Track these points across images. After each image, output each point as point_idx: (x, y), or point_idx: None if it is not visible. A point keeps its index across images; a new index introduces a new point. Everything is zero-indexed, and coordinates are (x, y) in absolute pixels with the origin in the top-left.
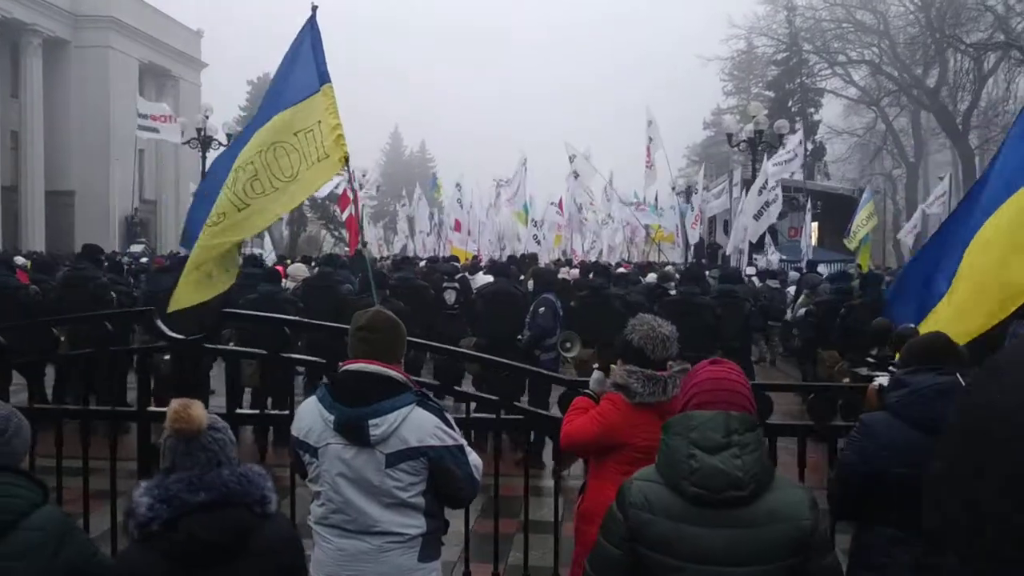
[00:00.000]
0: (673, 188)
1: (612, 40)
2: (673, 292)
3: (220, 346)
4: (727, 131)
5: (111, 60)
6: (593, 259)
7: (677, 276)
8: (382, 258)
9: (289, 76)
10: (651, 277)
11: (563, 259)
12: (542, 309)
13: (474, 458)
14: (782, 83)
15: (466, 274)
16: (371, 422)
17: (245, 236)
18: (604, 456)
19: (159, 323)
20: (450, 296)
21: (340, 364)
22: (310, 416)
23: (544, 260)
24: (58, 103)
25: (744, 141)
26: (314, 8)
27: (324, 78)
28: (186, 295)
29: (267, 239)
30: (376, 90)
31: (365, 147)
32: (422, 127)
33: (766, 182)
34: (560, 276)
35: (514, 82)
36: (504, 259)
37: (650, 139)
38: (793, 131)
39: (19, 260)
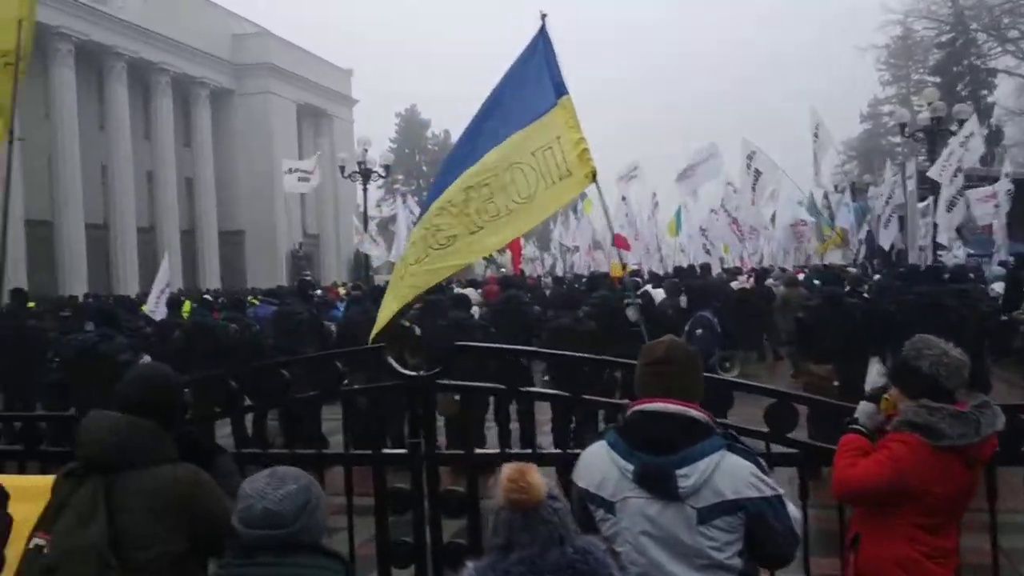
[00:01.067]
0: (836, 187)
1: (745, 41)
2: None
3: (455, 382)
4: (900, 121)
5: (271, 104)
6: (757, 266)
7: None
8: (539, 276)
9: (522, 91)
10: None
11: (728, 268)
12: (699, 331)
13: (793, 509)
14: (948, 66)
15: (648, 288)
16: (679, 472)
17: (473, 259)
18: (891, 506)
19: (391, 360)
20: (632, 313)
21: (629, 404)
22: (602, 465)
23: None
24: (225, 148)
25: (920, 130)
26: (543, 16)
27: (561, 90)
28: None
29: None
30: None
31: None
32: None
33: (956, 171)
34: (737, 286)
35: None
36: (668, 271)
37: (815, 139)
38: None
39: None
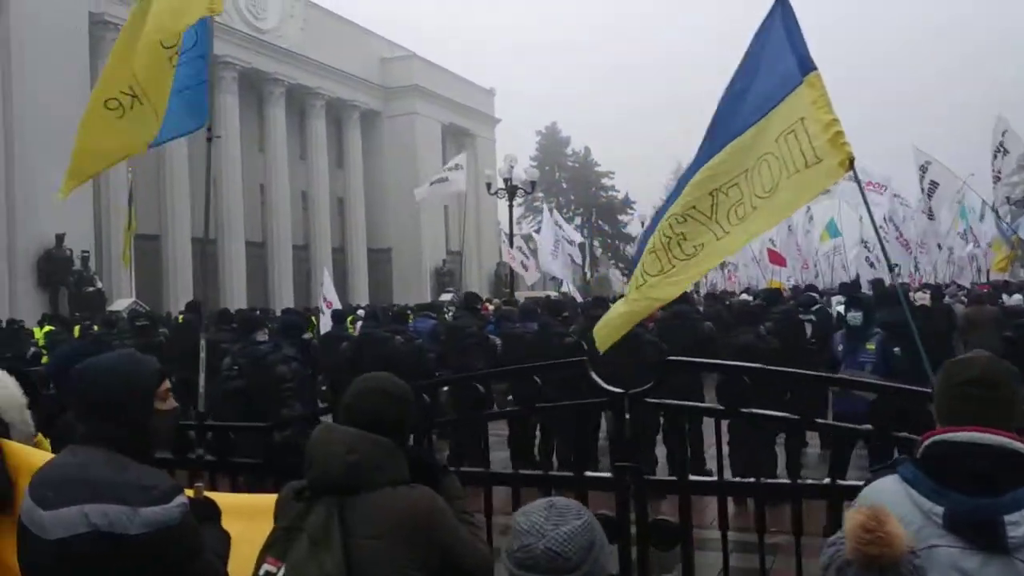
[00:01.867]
0: (1008, 199)
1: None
2: None
3: (665, 400)
4: None
5: (417, 125)
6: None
7: None
8: (687, 292)
9: (760, 74)
10: (1016, 298)
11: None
12: (897, 349)
13: None
14: None
15: (825, 305)
16: (1007, 518)
17: (713, 264)
18: None
19: (593, 375)
20: (807, 329)
21: (923, 434)
22: (898, 505)
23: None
24: (374, 168)
25: None
26: None
27: (806, 65)
28: (612, 332)
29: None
30: (659, 126)
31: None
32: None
33: None
34: (917, 303)
35: None
36: (836, 286)
37: (1001, 149)
38: None
39: (359, 312)
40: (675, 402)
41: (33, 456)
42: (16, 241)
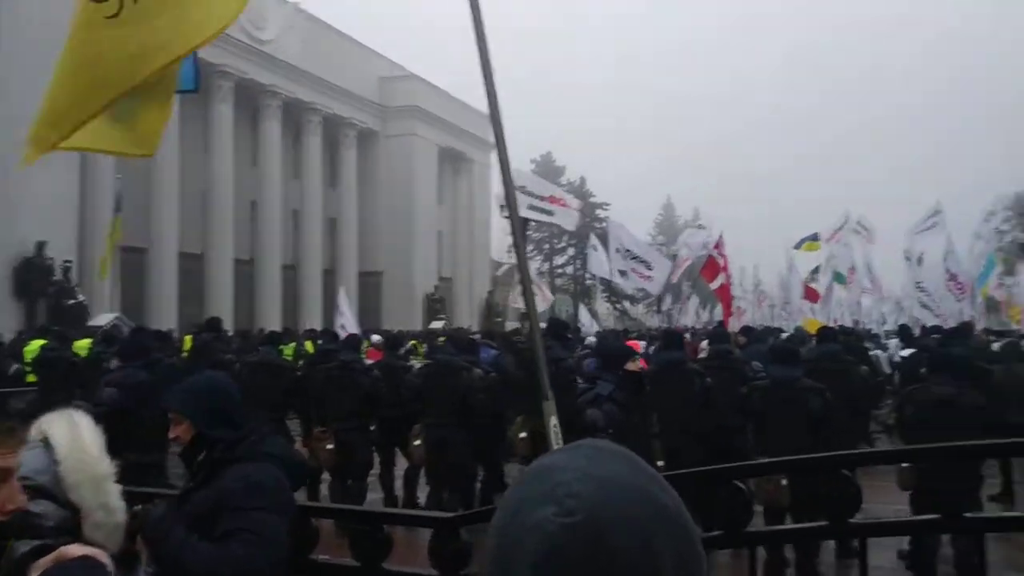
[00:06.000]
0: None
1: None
2: None
3: None
4: None
5: (415, 147)
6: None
7: None
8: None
9: None
10: None
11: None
12: None
13: None
14: None
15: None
16: None
17: None
18: None
19: None
20: None
21: None
22: None
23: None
24: (368, 190)
25: None
26: None
27: None
28: None
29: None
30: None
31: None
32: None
33: None
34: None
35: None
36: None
37: None
38: None
39: (375, 338)
40: None
41: None
42: None
